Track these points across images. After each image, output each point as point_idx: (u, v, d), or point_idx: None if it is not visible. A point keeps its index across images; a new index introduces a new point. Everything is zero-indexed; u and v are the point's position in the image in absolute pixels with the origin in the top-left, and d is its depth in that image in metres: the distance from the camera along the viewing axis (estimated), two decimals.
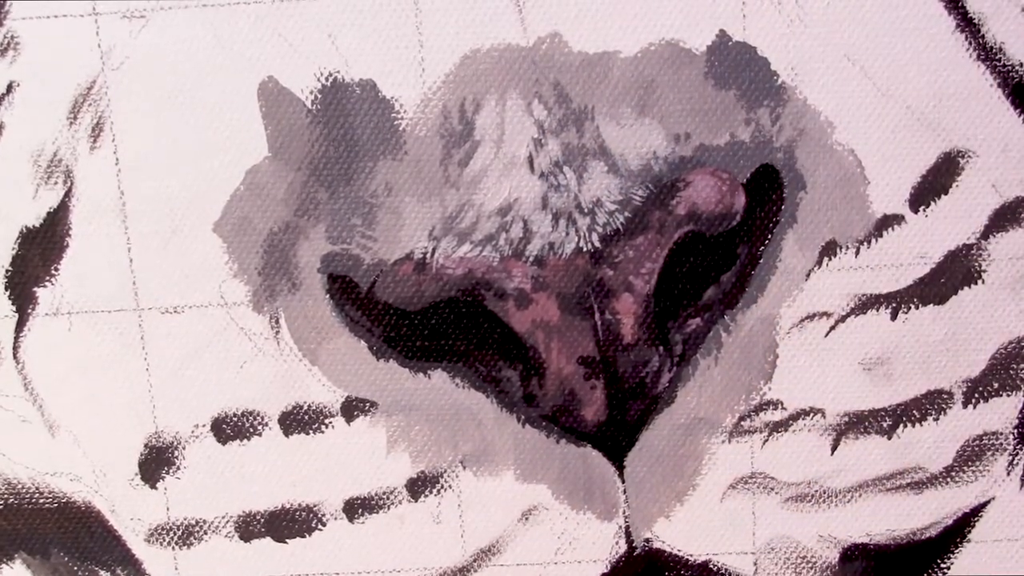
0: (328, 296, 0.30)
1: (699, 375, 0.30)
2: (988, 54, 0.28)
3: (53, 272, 0.30)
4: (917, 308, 0.30)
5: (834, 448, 0.31)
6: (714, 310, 0.30)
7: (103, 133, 0.30)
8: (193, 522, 0.32)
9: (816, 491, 0.31)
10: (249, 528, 0.32)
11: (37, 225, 0.30)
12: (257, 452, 0.31)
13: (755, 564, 0.32)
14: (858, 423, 0.31)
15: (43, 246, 0.30)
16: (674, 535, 0.31)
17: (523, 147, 0.29)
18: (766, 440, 0.31)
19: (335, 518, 0.32)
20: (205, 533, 0.32)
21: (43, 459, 0.32)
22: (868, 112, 0.29)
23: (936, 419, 0.31)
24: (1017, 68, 0.28)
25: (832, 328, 0.30)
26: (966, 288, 0.30)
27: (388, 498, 0.31)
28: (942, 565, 0.32)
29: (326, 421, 0.31)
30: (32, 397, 0.31)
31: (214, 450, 0.31)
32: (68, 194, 0.30)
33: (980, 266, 0.30)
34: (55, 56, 0.29)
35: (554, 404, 0.30)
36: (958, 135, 0.29)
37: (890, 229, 0.29)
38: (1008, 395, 0.31)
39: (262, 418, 0.31)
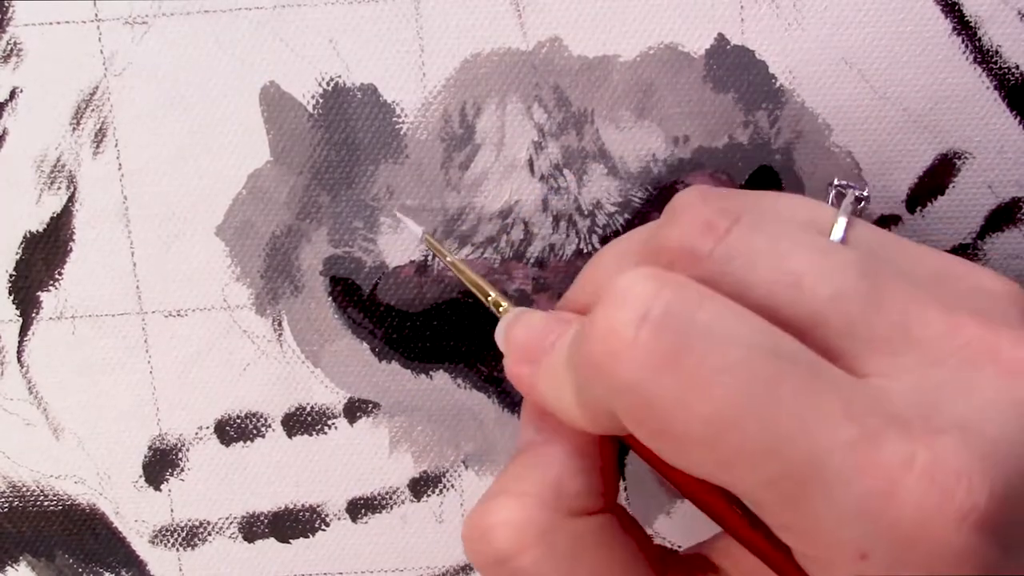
0: (330, 298, 0.30)
1: None
2: (985, 57, 0.28)
3: (57, 276, 0.30)
4: None
5: None
6: None
7: (106, 138, 0.30)
8: (197, 523, 0.32)
9: None
10: (253, 529, 0.32)
11: (41, 230, 0.30)
12: (260, 453, 0.31)
13: None
14: None
15: (47, 251, 0.30)
16: (674, 531, 0.32)
17: (523, 150, 0.29)
18: None
19: (338, 518, 0.32)
20: (209, 534, 0.32)
21: (48, 462, 0.32)
22: (865, 114, 0.29)
23: None
24: (1013, 71, 0.28)
25: None
26: None
27: (391, 498, 0.32)
28: None
29: (329, 422, 0.31)
30: (36, 400, 0.31)
31: (218, 452, 0.31)
32: (71, 199, 0.30)
33: None
34: (58, 62, 0.29)
35: None
36: (954, 137, 0.29)
37: (887, 230, 0.29)
38: None
39: (265, 420, 0.31)
